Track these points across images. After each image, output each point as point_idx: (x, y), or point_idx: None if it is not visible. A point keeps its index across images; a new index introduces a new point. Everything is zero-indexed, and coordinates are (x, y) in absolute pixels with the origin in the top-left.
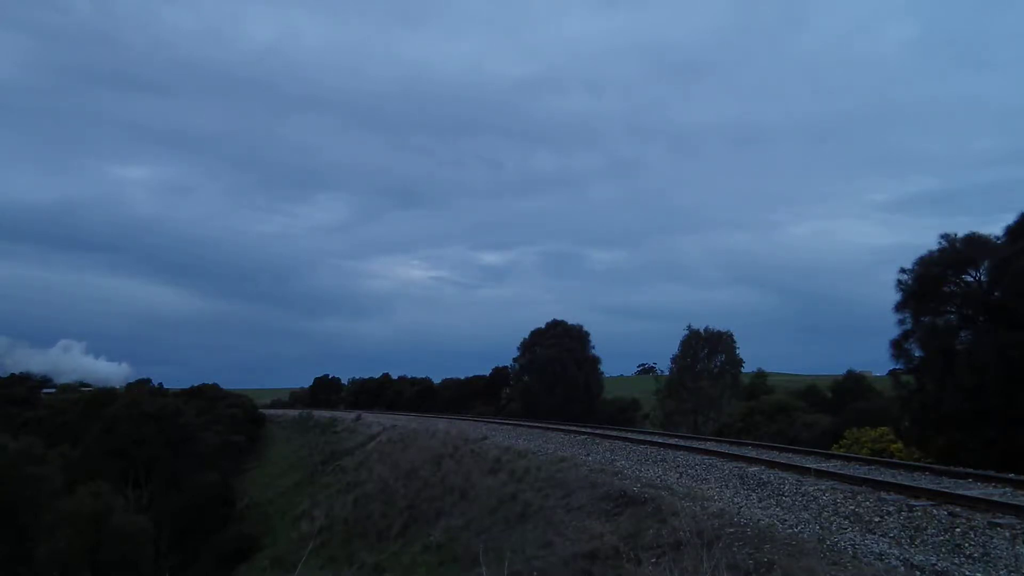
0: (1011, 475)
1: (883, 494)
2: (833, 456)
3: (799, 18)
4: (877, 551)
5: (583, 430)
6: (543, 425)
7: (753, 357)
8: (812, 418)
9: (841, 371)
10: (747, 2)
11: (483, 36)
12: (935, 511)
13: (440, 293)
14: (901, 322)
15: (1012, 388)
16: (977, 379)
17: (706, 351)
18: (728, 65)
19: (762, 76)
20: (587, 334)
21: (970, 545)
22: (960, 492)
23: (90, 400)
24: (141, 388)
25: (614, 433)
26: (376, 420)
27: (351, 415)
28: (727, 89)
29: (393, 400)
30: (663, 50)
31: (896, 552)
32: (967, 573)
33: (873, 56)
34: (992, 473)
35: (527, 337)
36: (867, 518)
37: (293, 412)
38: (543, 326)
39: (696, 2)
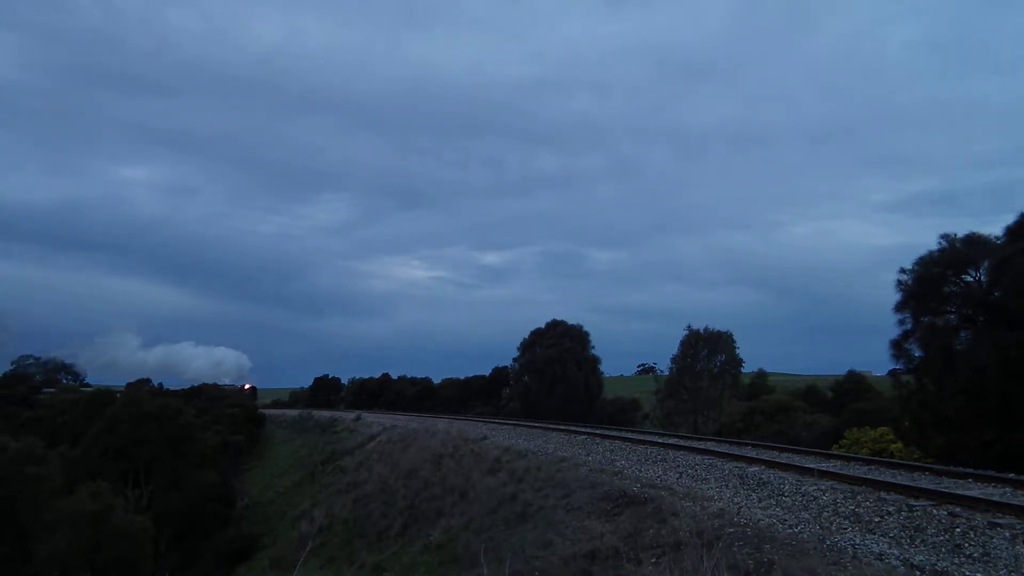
0: (1011, 475)
1: (883, 494)
2: (833, 456)
3: (802, 21)
4: (877, 551)
5: (583, 430)
6: (543, 425)
7: (753, 357)
8: (812, 418)
9: (841, 371)
10: (751, 4)
11: (486, 38)
12: (935, 511)
13: (440, 293)
14: (901, 322)
15: (1012, 388)
16: (977, 379)
17: (706, 351)
18: (731, 67)
19: (765, 78)
20: (587, 334)
21: (970, 545)
22: (960, 492)
23: (90, 400)
24: (141, 388)
25: (614, 433)
26: (376, 420)
27: (351, 415)
28: (730, 90)
29: (393, 400)
30: (666, 52)
31: (896, 552)
32: (967, 573)
33: (875, 58)
34: (992, 473)
35: (527, 337)
36: (867, 518)
37: (293, 412)
38: (543, 326)
39: (700, 4)
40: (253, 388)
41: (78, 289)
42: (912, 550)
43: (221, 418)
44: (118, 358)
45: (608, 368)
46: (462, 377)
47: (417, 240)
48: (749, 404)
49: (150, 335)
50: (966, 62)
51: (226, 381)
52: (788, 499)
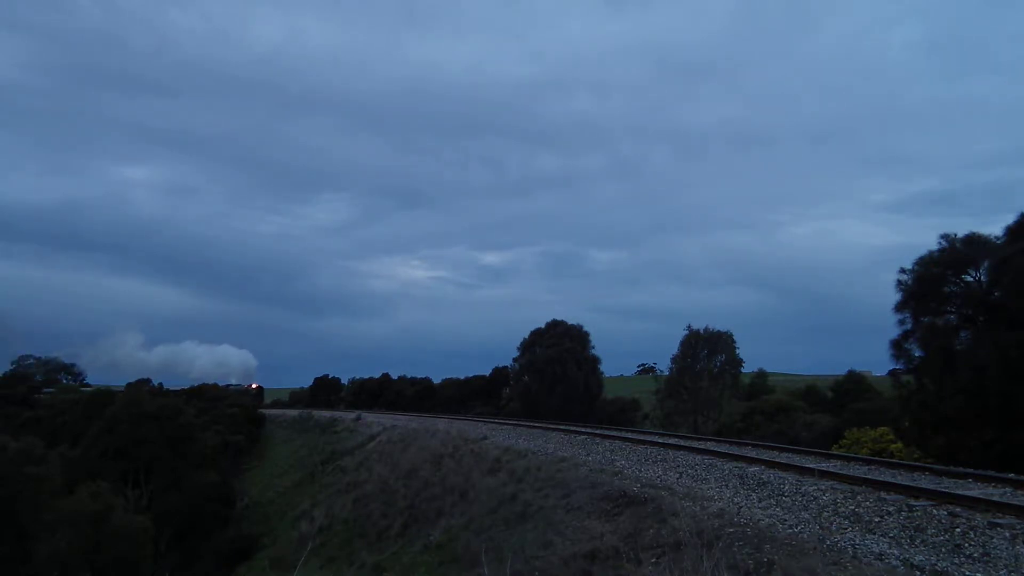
0: (1011, 475)
1: (883, 494)
2: (833, 456)
3: (802, 21)
4: (877, 551)
5: (583, 430)
6: (543, 425)
7: (753, 357)
8: (812, 418)
9: (841, 371)
10: (751, 4)
11: (487, 38)
12: (935, 511)
13: (440, 293)
14: (901, 322)
15: (1012, 388)
16: (977, 379)
17: (706, 351)
18: (732, 67)
19: (765, 78)
20: (587, 334)
21: (970, 545)
22: (960, 492)
23: (90, 400)
24: (141, 388)
25: (614, 433)
26: (376, 420)
27: (351, 415)
28: (730, 91)
29: (393, 400)
30: (666, 52)
31: (896, 552)
32: (967, 573)
33: (875, 58)
34: (992, 473)
35: (527, 337)
36: (867, 518)
37: (293, 412)
38: (543, 326)
39: (700, 4)
40: (260, 388)
41: (78, 289)
42: (912, 550)
43: (221, 418)
44: (121, 358)
45: (608, 368)
46: (462, 377)
47: (417, 240)
48: (749, 404)
49: (151, 335)
50: (966, 62)
51: (232, 381)
52: (788, 499)
